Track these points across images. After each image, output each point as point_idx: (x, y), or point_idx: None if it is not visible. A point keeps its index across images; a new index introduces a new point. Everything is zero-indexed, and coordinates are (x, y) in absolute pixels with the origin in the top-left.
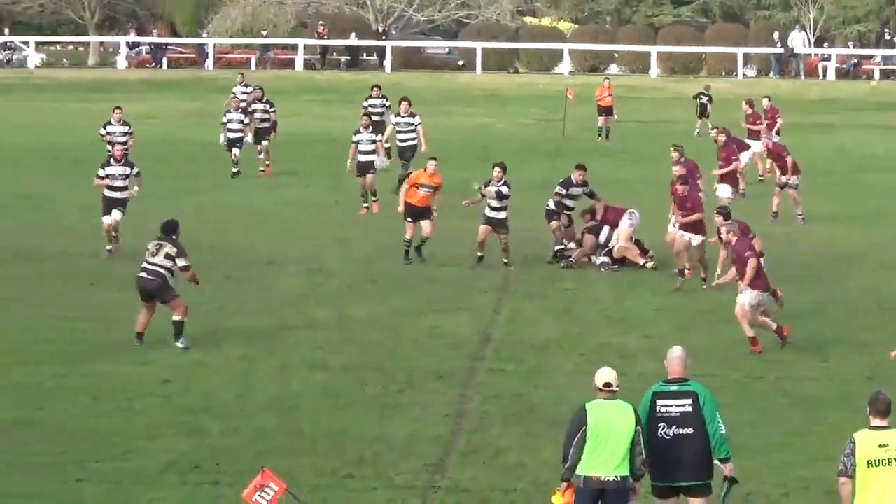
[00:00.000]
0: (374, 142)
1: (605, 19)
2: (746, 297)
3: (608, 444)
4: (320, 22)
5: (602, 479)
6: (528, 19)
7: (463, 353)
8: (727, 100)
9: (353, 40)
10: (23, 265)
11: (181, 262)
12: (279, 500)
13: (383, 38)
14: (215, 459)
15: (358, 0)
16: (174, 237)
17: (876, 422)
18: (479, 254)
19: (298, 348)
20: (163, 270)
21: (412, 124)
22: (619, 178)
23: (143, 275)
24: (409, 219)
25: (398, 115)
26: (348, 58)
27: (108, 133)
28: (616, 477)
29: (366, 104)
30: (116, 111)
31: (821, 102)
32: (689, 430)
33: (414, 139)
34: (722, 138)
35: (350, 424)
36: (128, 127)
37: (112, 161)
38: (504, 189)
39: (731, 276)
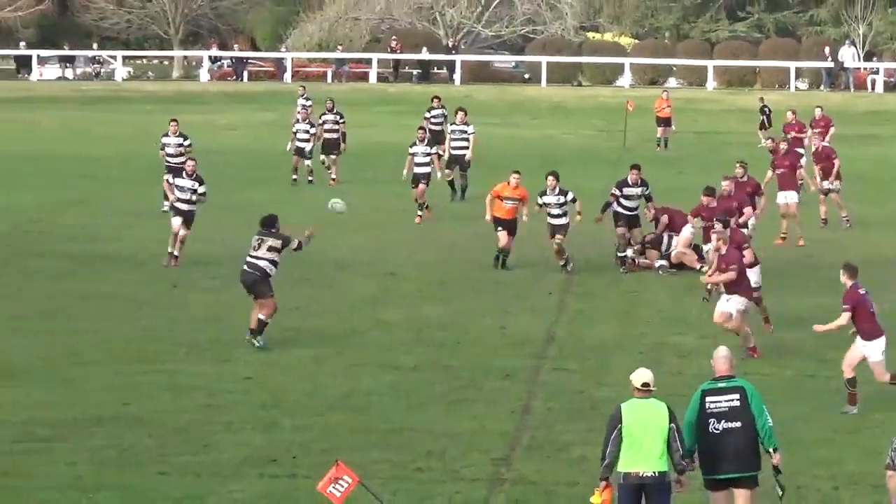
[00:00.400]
0: (428, 154)
1: (664, 35)
2: (734, 304)
3: (644, 442)
4: (393, 37)
5: (641, 474)
6: (591, 35)
7: (528, 351)
8: (780, 112)
9: (425, 54)
10: (105, 268)
11: (293, 246)
12: (352, 492)
13: (453, 52)
14: (291, 453)
15: (429, 16)
16: (274, 230)
17: None
18: (561, 262)
19: (369, 348)
20: (263, 264)
21: (466, 133)
22: (677, 186)
23: (246, 268)
24: (499, 228)
25: (453, 123)
26: (420, 71)
27: (164, 145)
28: (654, 472)
29: (428, 115)
30: (172, 123)
31: (869, 114)
32: (738, 424)
33: (467, 147)
34: (784, 146)
35: (419, 420)
36: (183, 139)
37: (184, 174)
38: (561, 198)
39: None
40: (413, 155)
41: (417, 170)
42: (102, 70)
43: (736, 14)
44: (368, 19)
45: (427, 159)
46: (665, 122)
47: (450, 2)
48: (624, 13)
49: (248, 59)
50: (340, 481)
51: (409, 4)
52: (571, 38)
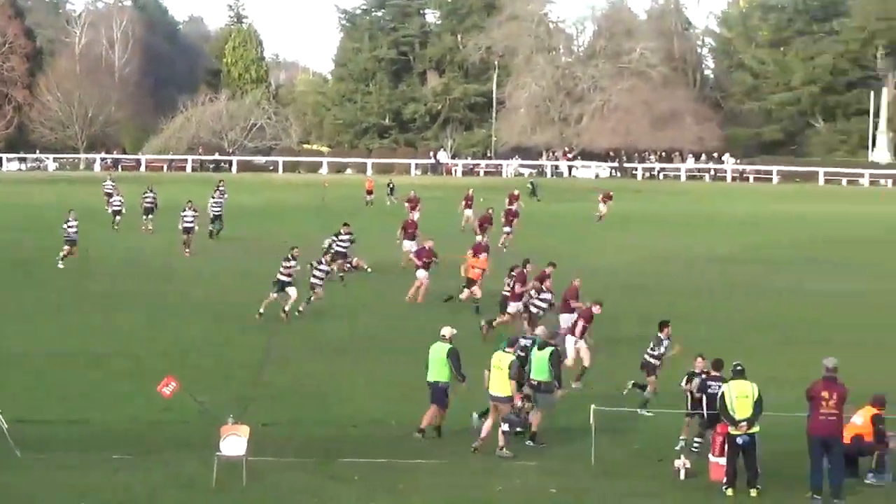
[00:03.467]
0: (195, 216)
1: (345, 145)
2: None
3: (432, 365)
4: (200, 146)
5: (429, 381)
6: (305, 145)
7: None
8: (405, 187)
9: (217, 156)
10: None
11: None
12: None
13: (233, 154)
14: None
15: (220, 136)
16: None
17: None
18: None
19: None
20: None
21: (221, 202)
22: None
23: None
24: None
25: (212, 197)
26: (214, 165)
27: (184, 217)
28: (438, 382)
29: (219, 188)
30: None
31: (454, 188)
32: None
33: (219, 210)
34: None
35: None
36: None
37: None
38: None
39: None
40: (184, 217)
41: (186, 224)
42: (41, 165)
43: (383, 135)
44: (188, 137)
45: (193, 219)
46: (370, 192)
47: (230, 127)
48: (324, 134)
49: (123, 158)
50: (171, 385)
51: (209, 130)
52: (295, 147)
